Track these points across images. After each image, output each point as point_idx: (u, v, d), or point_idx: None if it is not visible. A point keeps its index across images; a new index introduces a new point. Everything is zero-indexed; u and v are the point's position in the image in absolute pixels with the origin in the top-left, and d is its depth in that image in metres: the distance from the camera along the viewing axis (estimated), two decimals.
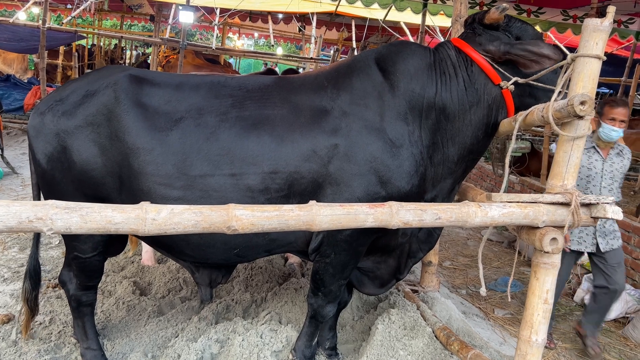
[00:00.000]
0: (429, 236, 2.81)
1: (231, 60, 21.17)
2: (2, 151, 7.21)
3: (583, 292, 4.65)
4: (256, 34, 21.48)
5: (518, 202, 2.08)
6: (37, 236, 2.95)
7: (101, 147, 2.47)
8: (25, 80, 10.16)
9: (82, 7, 9.84)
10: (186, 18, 9.37)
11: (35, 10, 14.48)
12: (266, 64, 27.88)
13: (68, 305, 3.62)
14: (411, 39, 11.07)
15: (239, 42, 25.27)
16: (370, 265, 2.84)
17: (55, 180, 2.56)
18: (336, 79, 2.60)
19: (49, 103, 2.59)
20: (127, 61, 18.99)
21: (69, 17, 10.21)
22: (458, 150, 2.58)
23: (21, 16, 11.17)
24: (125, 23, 20.02)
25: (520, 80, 2.44)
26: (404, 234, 2.67)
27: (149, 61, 16.61)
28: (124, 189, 2.48)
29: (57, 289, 4.11)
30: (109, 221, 1.66)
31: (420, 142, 2.51)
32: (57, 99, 2.58)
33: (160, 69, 12.09)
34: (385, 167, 2.42)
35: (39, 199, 2.86)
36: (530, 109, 2.27)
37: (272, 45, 13.28)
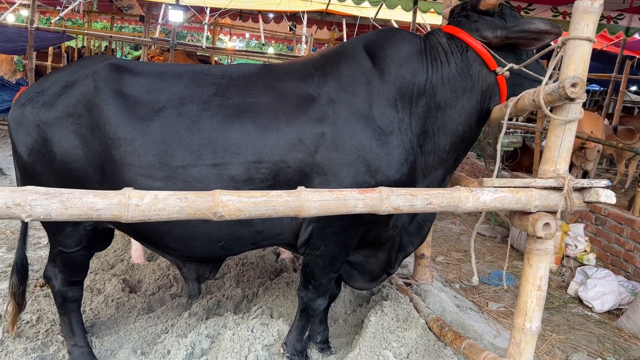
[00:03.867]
0: (419, 229, 2.78)
1: (224, 62, 21.08)
2: None
3: (576, 285, 4.63)
4: (247, 35, 21.43)
5: (510, 187, 2.05)
6: (23, 230, 2.89)
7: (82, 138, 2.42)
8: (14, 82, 10.05)
9: (70, 7, 9.75)
10: (176, 17, 9.32)
11: (25, 13, 14.38)
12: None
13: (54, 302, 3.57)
14: None
15: (230, 43, 25.21)
16: (360, 259, 2.80)
17: (36, 173, 2.51)
18: (323, 66, 2.56)
19: (29, 95, 2.54)
20: None
21: (57, 17, 10.12)
22: (450, 139, 2.54)
23: (9, 18, 11.06)
24: (115, 25, 19.91)
25: (515, 67, 2.42)
26: (394, 227, 2.63)
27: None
28: (106, 180, 2.43)
29: (45, 287, 4.03)
30: (91, 207, 1.61)
31: (410, 129, 2.47)
32: (38, 91, 2.53)
33: None
34: (374, 155, 2.38)
35: None
36: (521, 94, 2.24)
37: (264, 44, 13.22)
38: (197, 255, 2.63)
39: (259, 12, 12.16)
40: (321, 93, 2.47)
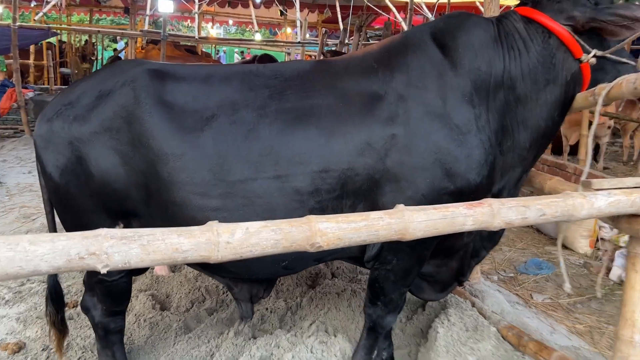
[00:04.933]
0: (493, 233, 2.56)
1: (208, 50, 20.55)
2: None
3: (619, 269, 4.48)
4: (231, 21, 20.90)
5: (622, 188, 1.84)
6: None
7: (122, 156, 2.14)
8: None
9: (53, 2, 9.27)
10: (166, 7, 8.91)
11: None
12: (242, 51, 27.28)
13: (86, 328, 3.30)
14: (398, 17, 10.77)
15: (212, 30, 24.62)
16: (431, 269, 2.57)
17: (70, 195, 2.23)
18: (387, 59, 2.30)
19: (56, 108, 2.25)
20: (100, 57, 18.28)
21: (40, 13, 9.63)
22: (530, 135, 2.31)
23: None
24: (93, 18, 19.22)
25: (599, 53, 2.18)
26: (469, 233, 2.41)
27: (122, 57, 16.00)
28: (153, 201, 2.17)
29: (76, 307, 3.77)
30: (176, 249, 1.35)
31: (488, 126, 2.24)
32: (66, 103, 2.24)
33: None
34: (453, 157, 2.14)
35: (52, 217, 2.52)
36: (616, 81, 2.02)
37: (257, 31, 12.81)
38: (257, 277, 2.39)
39: None
40: (388, 90, 2.21)
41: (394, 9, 11.07)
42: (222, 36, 22.00)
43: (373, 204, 2.19)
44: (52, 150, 2.20)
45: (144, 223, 2.25)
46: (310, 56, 11.32)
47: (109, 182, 2.16)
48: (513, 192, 2.47)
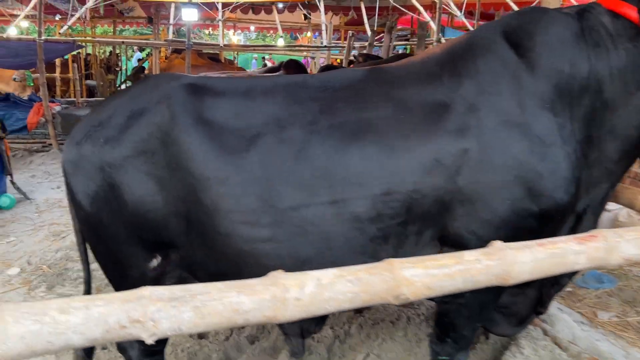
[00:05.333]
0: None
1: (230, 57, 20.48)
2: (12, 177, 6.65)
3: None
4: (252, 27, 20.79)
5: None
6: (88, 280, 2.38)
7: (159, 181, 1.91)
8: (26, 98, 9.56)
9: (77, 15, 9.22)
10: (190, 16, 8.76)
11: (24, 24, 13.85)
12: (264, 57, 27.17)
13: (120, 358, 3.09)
14: (426, 17, 10.44)
15: (233, 37, 24.57)
16: (507, 299, 2.26)
17: (102, 225, 2.01)
18: (452, 64, 2.02)
19: (85, 129, 2.03)
20: (124, 68, 18.34)
21: (66, 26, 9.60)
22: (620, 145, 2.00)
23: (12, 31, 10.56)
24: (116, 29, 19.32)
25: None
26: None
27: (145, 65, 15.97)
28: (193, 231, 1.93)
29: None
30: (235, 310, 1.09)
31: (573, 137, 1.93)
32: (96, 124, 2.01)
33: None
34: (536, 174, 1.85)
35: (84, 248, 2.30)
36: None
37: (281, 36, 12.61)
38: None
39: (272, 2, 11.57)
40: (455, 98, 1.93)
41: (421, 8, 10.75)
42: (242, 42, 21.90)
43: (443, 230, 1.92)
44: (81, 177, 1.99)
45: (184, 255, 2.02)
46: (336, 60, 11.07)
47: (145, 211, 1.93)
48: (598, 211, 2.16)
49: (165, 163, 1.90)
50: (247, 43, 22.66)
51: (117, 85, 13.99)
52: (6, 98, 9.34)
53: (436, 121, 1.90)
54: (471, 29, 10.36)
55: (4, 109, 8.71)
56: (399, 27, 13.65)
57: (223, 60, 15.97)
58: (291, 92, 2.02)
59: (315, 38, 16.90)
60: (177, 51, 14.08)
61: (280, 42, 13.90)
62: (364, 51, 8.84)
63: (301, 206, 1.84)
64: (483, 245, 1.92)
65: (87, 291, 2.39)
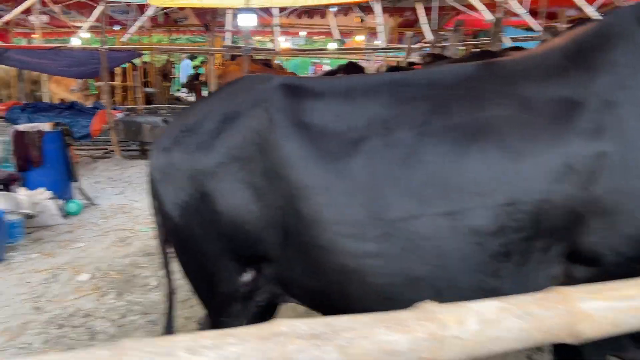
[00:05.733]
0: None
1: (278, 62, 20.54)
2: (78, 183, 6.79)
3: None
4: (304, 33, 20.78)
5: None
6: (169, 308, 2.27)
7: (255, 190, 1.76)
8: (90, 105, 9.84)
9: (138, 23, 9.41)
10: (247, 21, 8.74)
11: (86, 35, 14.34)
12: (313, 62, 27.17)
13: None
14: (489, 16, 10.02)
15: (283, 43, 24.64)
16: None
17: (193, 237, 1.88)
18: (581, 56, 1.77)
19: (174, 136, 1.90)
20: (178, 75, 18.72)
21: (127, 35, 9.82)
22: None
23: (74, 42, 10.91)
24: (171, 37, 19.78)
25: None
26: None
27: (200, 72, 16.20)
28: (291, 244, 1.76)
29: None
30: (386, 350, 0.90)
31: None
32: (185, 129, 1.89)
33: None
34: None
35: (167, 260, 2.18)
36: None
37: (337, 40, 12.47)
38: None
39: (326, 6, 11.44)
40: (587, 94, 1.68)
41: (482, 7, 10.34)
42: (281, 49, 21.83)
43: (574, 246, 1.67)
44: (171, 185, 1.86)
45: (279, 269, 1.85)
46: (395, 62, 10.81)
47: (240, 222, 1.78)
48: None
49: (262, 170, 1.75)
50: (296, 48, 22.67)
51: (172, 93, 14.26)
52: (71, 106, 9.63)
53: (566, 121, 1.66)
54: (538, 27, 9.88)
55: (69, 116, 8.97)
56: (447, 27, 13.26)
57: (274, 66, 16.01)
58: (396, 90, 1.82)
59: (364, 40, 16.61)
60: (232, 58, 14.21)
61: (333, 46, 13.75)
62: (425, 52, 8.56)
63: (412, 217, 1.64)
64: (624, 264, 1.68)
65: (170, 306, 2.27)
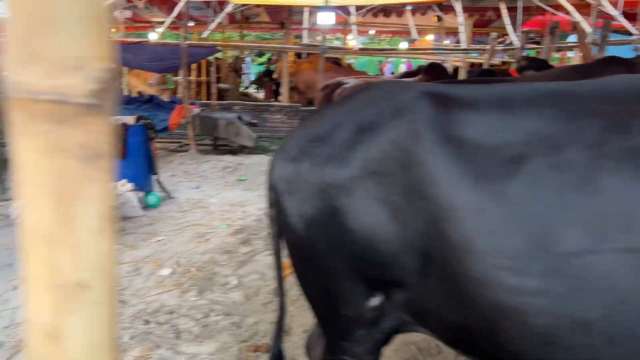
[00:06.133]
0: None
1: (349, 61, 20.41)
2: (158, 176, 6.91)
3: None
4: (372, 31, 20.52)
5: None
6: (281, 307, 2.14)
7: (393, 209, 1.58)
8: (167, 100, 10.06)
9: (217, 20, 9.51)
10: (326, 19, 8.63)
11: (160, 30, 14.74)
12: (380, 61, 26.88)
13: None
14: (578, 17, 9.41)
15: (353, 41, 24.45)
16: None
17: (317, 253, 1.74)
18: None
19: (301, 144, 1.76)
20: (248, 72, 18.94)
21: (207, 31, 9.98)
22: None
23: (152, 37, 11.19)
24: (241, 33, 20.07)
25: None
26: None
27: (271, 69, 16.28)
28: (432, 271, 1.57)
29: (258, 353, 3.40)
30: None
31: None
32: (314, 138, 1.74)
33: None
34: None
35: (280, 272, 2.06)
36: None
37: (414, 40, 12.18)
38: None
39: (404, 4, 11.16)
40: None
41: (570, 8, 9.73)
42: (357, 47, 21.62)
43: None
44: (297, 197, 1.73)
45: (413, 297, 1.67)
46: (471, 63, 10.37)
47: (372, 243, 1.61)
48: None
49: (402, 188, 1.58)
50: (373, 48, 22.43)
51: (244, 89, 14.40)
52: (150, 100, 9.88)
53: None
54: (634, 30, 9.16)
55: (148, 110, 9.19)
56: (525, 29, 12.59)
57: (343, 65, 15.87)
58: (559, 104, 1.59)
59: (433, 40, 16.13)
60: (298, 55, 14.19)
61: (404, 45, 13.40)
62: (504, 55, 8.11)
63: (585, 253, 1.41)
64: None
65: (281, 319, 2.15)
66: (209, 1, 10.57)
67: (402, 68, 25.01)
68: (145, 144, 6.60)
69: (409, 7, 12.05)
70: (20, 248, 0.74)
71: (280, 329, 2.16)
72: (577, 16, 9.55)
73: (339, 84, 7.05)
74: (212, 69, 11.13)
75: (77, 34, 0.65)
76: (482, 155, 1.53)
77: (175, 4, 10.00)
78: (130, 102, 9.61)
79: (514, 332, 1.49)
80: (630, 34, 9.41)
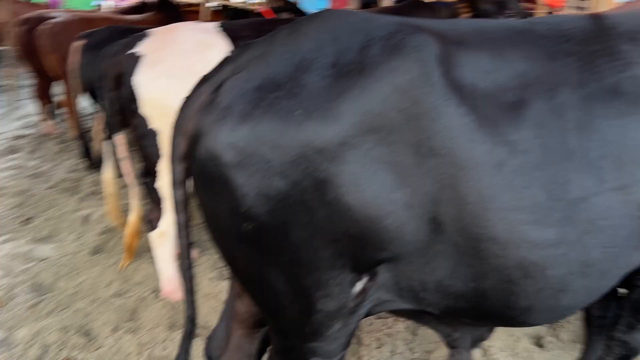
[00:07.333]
0: None
1: None
2: None
3: None
4: None
5: None
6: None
7: (399, 172, 1.28)
8: None
9: None
10: None
11: None
12: None
13: None
14: None
15: None
16: None
17: (291, 243, 1.32)
18: None
19: (249, 94, 1.29)
20: None
21: None
22: None
23: None
24: None
25: None
26: None
27: None
28: (442, 238, 1.35)
29: None
30: None
31: None
32: (270, 85, 1.29)
33: None
34: None
35: (190, 271, 1.51)
36: None
37: None
38: (542, 321, 1.69)
39: None
40: None
41: None
42: None
43: None
44: (259, 171, 1.25)
45: (408, 271, 1.42)
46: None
47: (374, 218, 1.29)
48: None
49: (411, 145, 1.28)
50: None
51: None
52: None
53: None
54: None
55: None
56: None
57: None
58: (533, 42, 1.49)
59: None
60: None
61: None
62: None
63: (590, 195, 1.38)
64: None
65: (191, 331, 1.61)
66: None
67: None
68: None
69: None
70: None
71: (189, 336, 1.63)
72: None
73: (43, 19, 5.80)
74: None
75: None
76: (487, 101, 1.35)
77: None
78: None
79: (531, 287, 1.40)
80: None
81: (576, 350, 2.64)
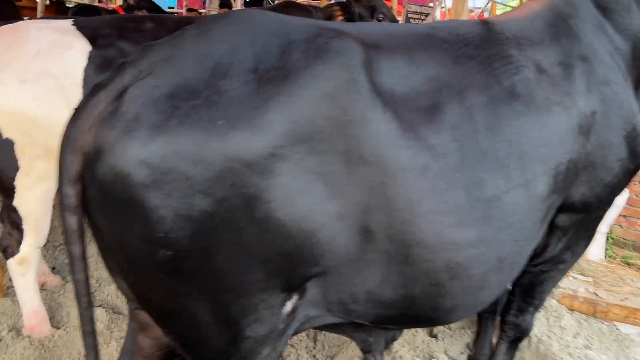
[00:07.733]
0: None
1: None
2: None
3: None
4: None
5: None
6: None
7: (331, 182, 1.22)
8: None
9: None
10: None
11: None
12: None
13: None
14: None
15: None
16: None
17: (214, 268, 1.19)
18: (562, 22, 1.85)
19: (160, 102, 1.13)
20: None
21: None
22: None
23: None
24: None
25: None
26: None
27: None
28: (372, 247, 1.32)
29: None
30: None
31: None
32: (185, 93, 1.14)
33: None
34: (636, 132, 1.91)
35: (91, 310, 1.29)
36: None
37: None
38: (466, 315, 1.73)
39: None
40: (575, 58, 1.79)
41: None
42: None
43: (567, 201, 1.81)
44: (177, 189, 1.09)
45: (337, 284, 1.36)
46: None
47: (307, 232, 1.20)
48: None
49: (341, 154, 1.22)
50: None
51: None
52: None
53: (569, 82, 1.74)
54: None
55: None
56: None
57: None
58: (440, 46, 1.53)
59: None
60: None
61: None
62: None
63: (502, 193, 1.45)
64: (604, 209, 1.93)
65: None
66: None
67: None
68: None
69: None
70: None
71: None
72: None
73: None
74: None
75: None
76: (406, 106, 1.36)
77: None
78: None
79: (457, 287, 1.42)
80: None
81: (466, 336, 2.83)
